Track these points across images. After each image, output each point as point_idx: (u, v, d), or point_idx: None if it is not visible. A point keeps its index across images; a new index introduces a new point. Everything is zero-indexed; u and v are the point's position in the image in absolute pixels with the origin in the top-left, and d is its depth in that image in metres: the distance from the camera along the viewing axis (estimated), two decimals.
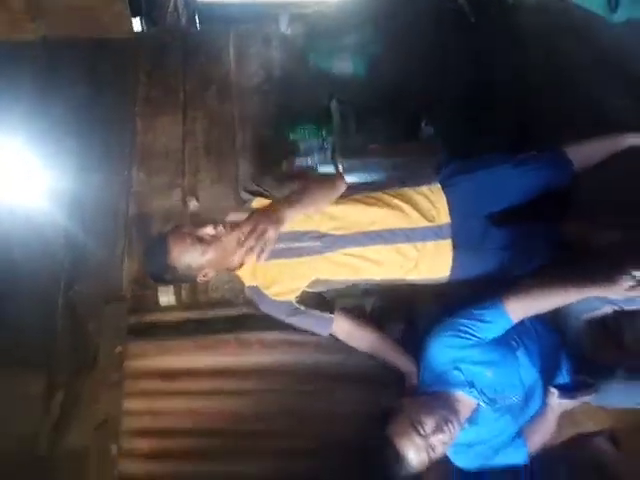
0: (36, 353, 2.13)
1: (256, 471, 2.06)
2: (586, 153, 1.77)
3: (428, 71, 2.66)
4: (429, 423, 1.41)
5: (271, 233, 1.46)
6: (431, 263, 1.67)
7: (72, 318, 2.26)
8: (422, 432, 1.40)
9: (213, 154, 2.76)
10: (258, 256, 1.44)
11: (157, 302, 2.33)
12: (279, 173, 2.39)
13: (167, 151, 2.75)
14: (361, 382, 2.08)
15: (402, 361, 1.72)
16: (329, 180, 1.73)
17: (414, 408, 1.45)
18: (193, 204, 2.58)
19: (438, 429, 1.40)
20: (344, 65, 2.82)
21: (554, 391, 1.53)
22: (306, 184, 1.68)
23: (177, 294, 2.36)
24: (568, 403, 1.52)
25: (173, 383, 2.22)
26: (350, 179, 2.49)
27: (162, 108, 2.87)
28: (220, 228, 1.58)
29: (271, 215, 1.50)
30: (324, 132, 2.82)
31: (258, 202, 1.72)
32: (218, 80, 2.94)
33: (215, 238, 1.57)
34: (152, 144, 2.77)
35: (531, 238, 1.76)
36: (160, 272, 1.58)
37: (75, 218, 2.46)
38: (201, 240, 1.55)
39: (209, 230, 1.57)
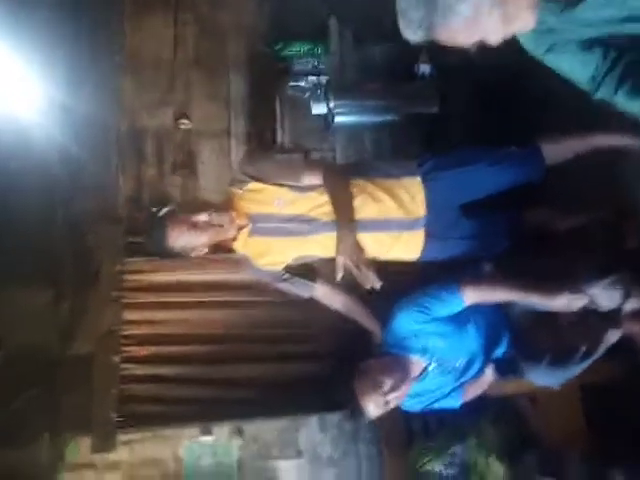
0: (41, 268, 2.34)
1: (246, 372, 2.42)
2: (560, 152, 1.86)
3: None
4: (387, 383, 1.70)
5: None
6: (403, 249, 1.84)
7: (72, 234, 2.42)
8: (381, 391, 1.70)
9: (204, 68, 2.71)
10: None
11: None
12: (275, 155, 2.41)
13: (158, 60, 2.69)
14: None
15: (370, 324, 1.98)
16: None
17: (377, 370, 1.74)
18: (184, 124, 2.61)
19: (394, 388, 1.71)
20: None
21: (491, 365, 1.83)
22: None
23: None
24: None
25: (168, 296, 2.49)
26: (340, 119, 2.54)
27: (151, 8, 2.74)
28: (213, 215, 1.71)
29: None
30: (319, 51, 2.76)
31: (254, 185, 1.80)
32: None
33: (208, 224, 1.70)
34: (141, 50, 2.70)
35: (496, 226, 1.92)
36: (159, 250, 1.74)
37: (68, 132, 2.47)
38: (195, 226, 1.69)
39: (203, 217, 1.69)
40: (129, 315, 2.41)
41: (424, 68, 2.54)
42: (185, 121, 2.61)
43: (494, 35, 1.03)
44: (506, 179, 1.86)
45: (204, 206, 1.77)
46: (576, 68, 1.20)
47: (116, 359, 2.30)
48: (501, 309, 1.87)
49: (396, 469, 2.28)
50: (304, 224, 1.78)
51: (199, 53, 2.73)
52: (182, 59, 2.70)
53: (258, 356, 2.50)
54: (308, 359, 2.51)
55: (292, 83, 2.67)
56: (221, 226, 1.73)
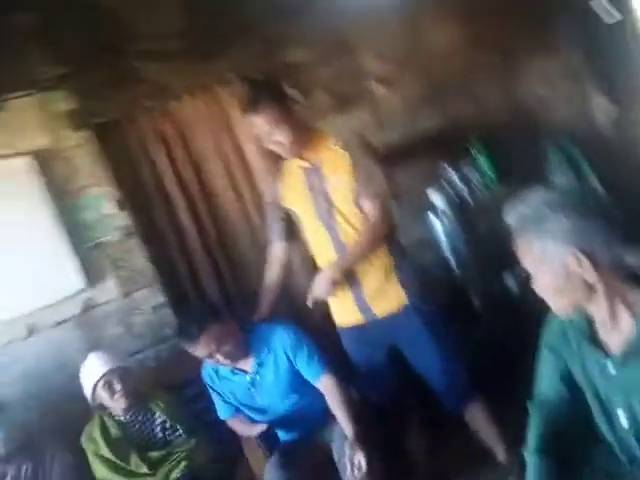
0: None
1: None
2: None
3: None
4: (228, 346, 1.88)
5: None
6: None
7: None
8: (220, 348, 1.87)
9: None
10: None
11: None
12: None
13: None
14: None
15: (266, 305, 2.09)
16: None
17: (232, 333, 1.91)
18: None
19: (225, 354, 1.88)
20: None
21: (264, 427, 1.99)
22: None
23: None
24: None
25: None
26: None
27: None
28: (291, 143, 1.88)
29: None
30: (490, 174, 2.78)
31: (343, 149, 1.92)
32: None
33: (280, 143, 1.89)
34: None
35: (392, 388, 2.04)
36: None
37: None
38: (274, 133, 1.89)
39: (284, 139, 1.88)
40: None
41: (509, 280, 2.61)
42: None
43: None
44: (439, 382, 1.99)
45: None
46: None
47: None
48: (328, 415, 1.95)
49: None
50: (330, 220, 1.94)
51: None
52: None
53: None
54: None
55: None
56: (282, 149, 1.92)
